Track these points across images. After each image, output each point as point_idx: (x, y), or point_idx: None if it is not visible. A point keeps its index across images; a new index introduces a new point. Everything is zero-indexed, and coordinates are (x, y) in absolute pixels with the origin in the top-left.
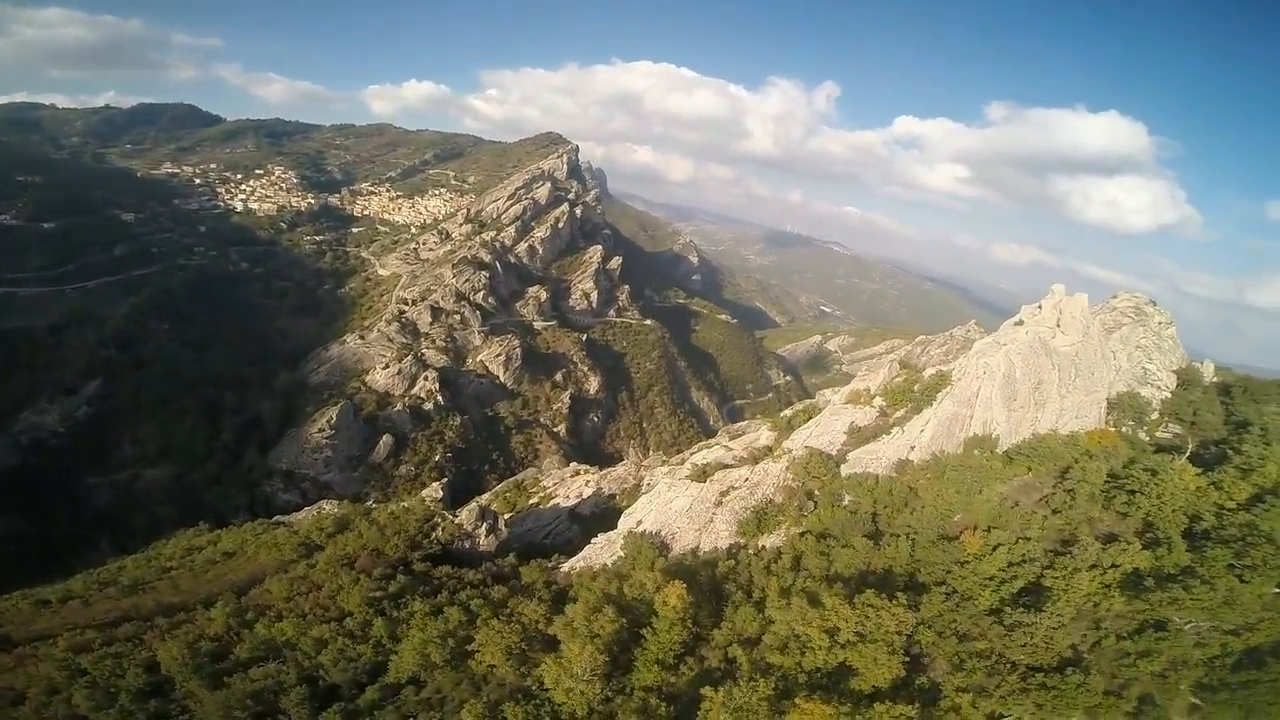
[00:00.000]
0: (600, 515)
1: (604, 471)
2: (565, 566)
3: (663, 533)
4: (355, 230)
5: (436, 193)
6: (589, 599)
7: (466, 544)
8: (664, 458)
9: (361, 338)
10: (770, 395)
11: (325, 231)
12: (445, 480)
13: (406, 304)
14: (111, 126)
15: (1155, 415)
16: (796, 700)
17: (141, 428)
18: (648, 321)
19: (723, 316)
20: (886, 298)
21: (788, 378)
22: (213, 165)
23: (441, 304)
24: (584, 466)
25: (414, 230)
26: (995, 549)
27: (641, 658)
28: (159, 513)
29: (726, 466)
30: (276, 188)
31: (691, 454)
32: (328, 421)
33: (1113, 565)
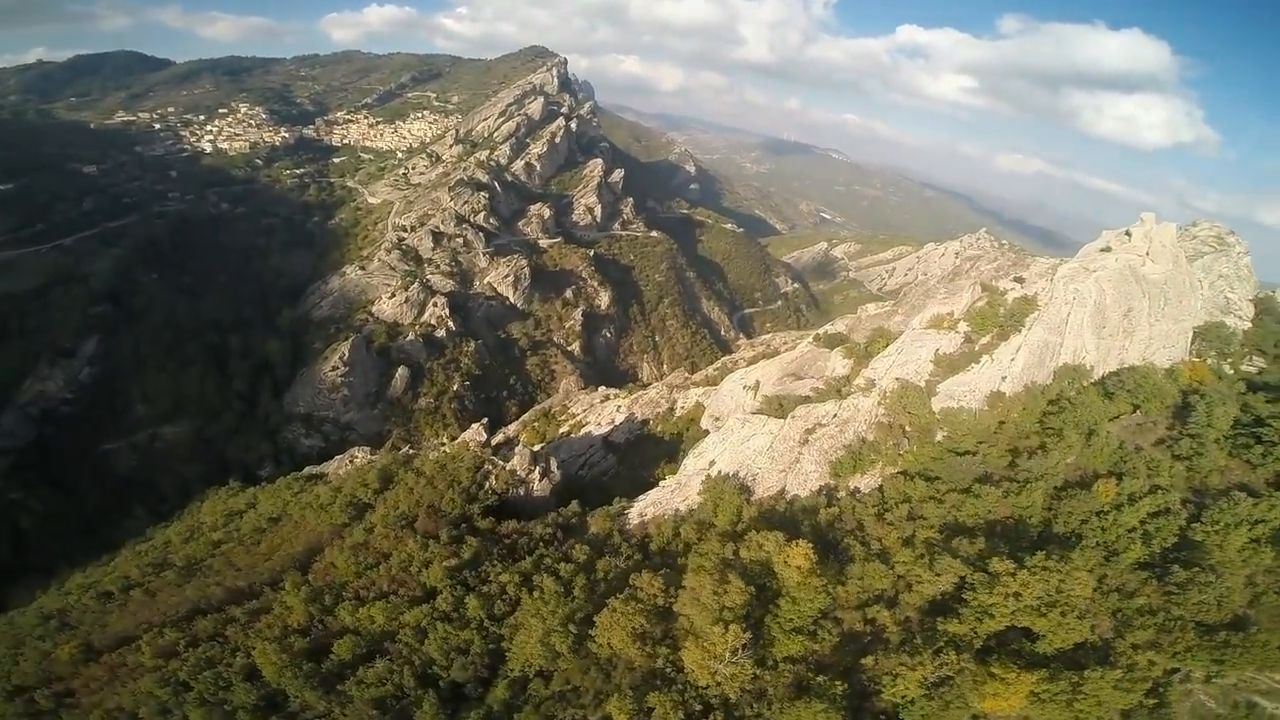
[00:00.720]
0: (636, 442)
1: (634, 395)
2: (634, 513)
3: (741, 474)
4: (336, 160)
5: (419, 116)
6: (706, 566)
7: (520, 490)
8: (687, 375)
9: (362, 268)
10: (780, 303)
11: (305, 164)
12: (485, 420)
13: (405, 230)
14: (50, 81)
15: (1238, 346)
16: (993, 669)
17: (150, 383)
18: (654, 234)
19: (728, 226)
20: (888, 205)
21: (795, 285)
22: (170, 109)
23: (442, 228)
24: (613, 391)
25: (400, 155)
26: (1132, 500)
27: (778, 627)
28: (185, 472)
29: (806, 400)
30: (245, 125)
31: (715, 369)
32: (340, 358)
33: (1260, 520)
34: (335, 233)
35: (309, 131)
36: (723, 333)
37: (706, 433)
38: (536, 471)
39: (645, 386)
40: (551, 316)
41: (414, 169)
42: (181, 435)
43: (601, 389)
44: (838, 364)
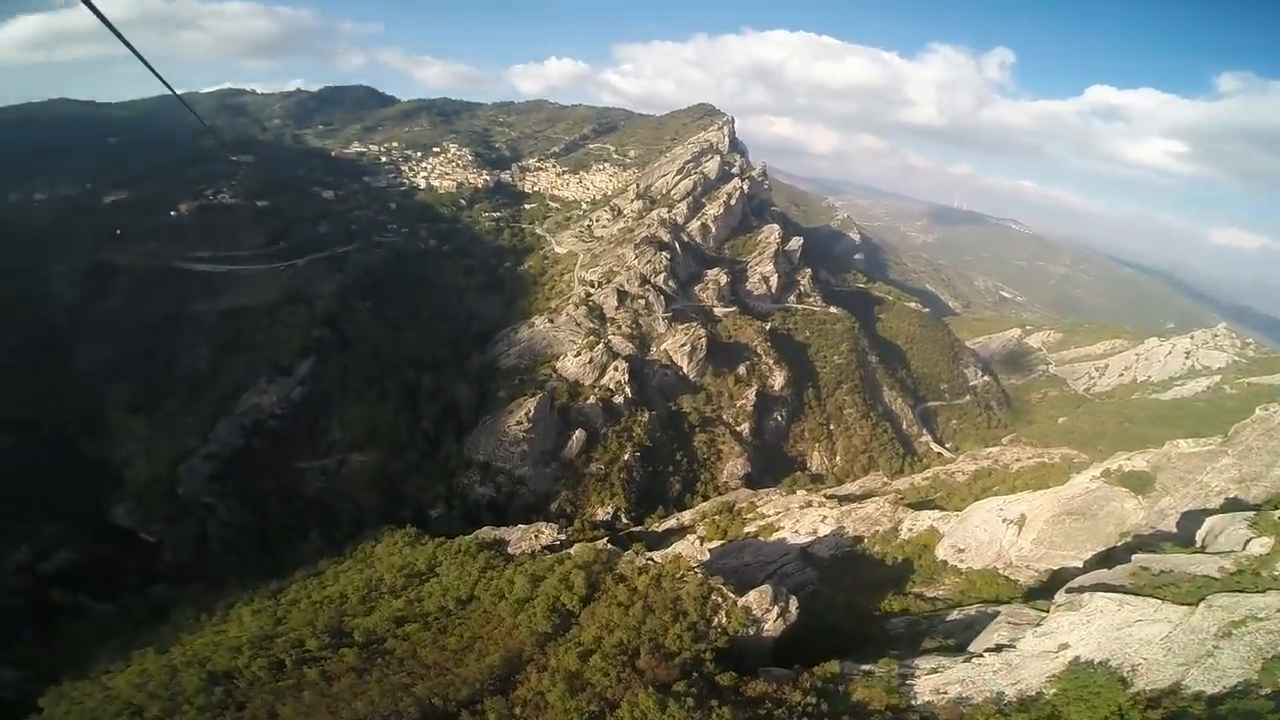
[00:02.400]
0: (844, 560)
1: (847, 508)
2: (923, 688)
3: (1113, 662)
4: (528, 207)
5: (600, 167)
6: None
7: (750, 629)
8: (886, 480)
9: (550, 321)
10: (968, 397)
11: (501, 208)
12: (699, 536)
13: (592, 286)
14: (304, 109)
15: None
16: None
17: (349, 410)
18: (833, 310)
19: (912, 305)
20: (1078, 284)
21: (985, 377)
22: (395, 144)
23: (627, 287)
24: (817, 497)
25: (585, 206)
26: None
27: None
28: (364, 502)
29: (1209, 579)
30: (454, 165)
31: (925, 479)
32: (526, 414)
33: None
34: (524, 279)
35: (506, 176)
36: (905, 427)
37: (944, 564)
38: (774, 610)
39: (861, 500)
40: (723, 393)
41: (597, 221)
42: (367, 465)
43: (801, 493)
44: (1251, 542)
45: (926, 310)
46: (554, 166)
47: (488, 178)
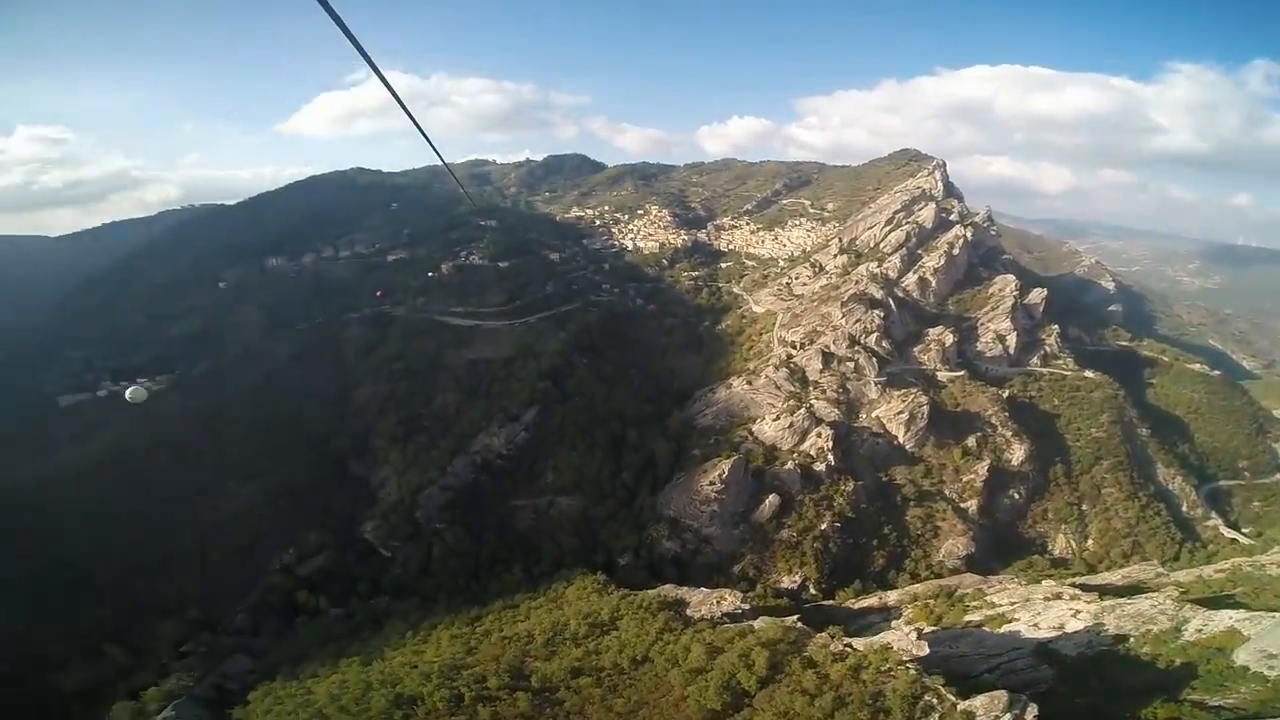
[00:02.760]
0: (1094, 660)
1: (1109, 602)
2: None
3: None
4: (724, 265)
5: (796, 223)
6: None
7: None
8: (1158, 569)
9: (749, 383)
10: (1277, 476)
11: (699, 267)
12: (920, 629)
13: (794, 347)
14: (533, 177)
15: None
16: None
17: (562, 457)
18: (1089, 374)
19: (1195, 366)
20: None
21: None
22: (605, 207)
23: (832, 349)
24: (1068, 588)
25: (782, 263)
26: None
27: None
28: (564, 542)
29: None
30: (655, 225)
31: (1221, 571)
32: (719, 476)
33: None
34: (722, 339)
35: (702, 235)
36: (1185, 509)
37: (1244, 669)
38: (1008, 718)
39: (1129, 593)
40: (946, 465)
41: (796, 279)
42: (572, 509)
43: (1048, 583)
44: None
45: (1216, 373)
46: (747, 224)
47: (685, 237)
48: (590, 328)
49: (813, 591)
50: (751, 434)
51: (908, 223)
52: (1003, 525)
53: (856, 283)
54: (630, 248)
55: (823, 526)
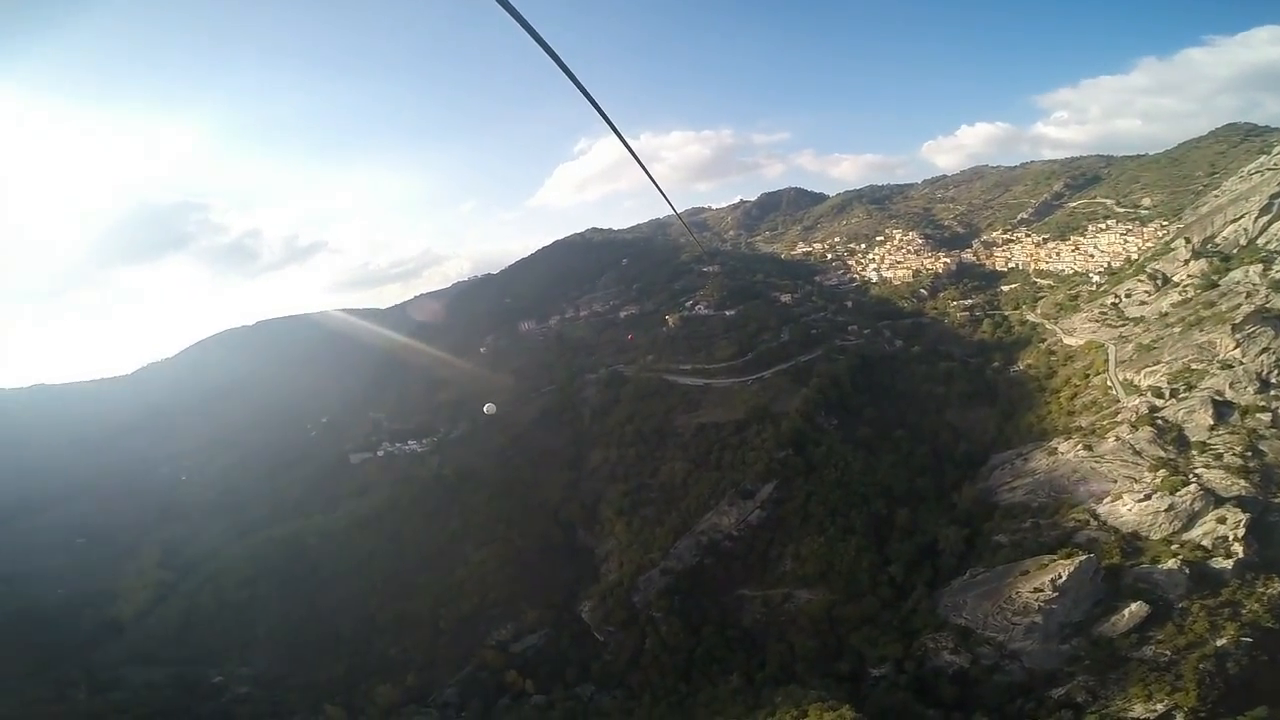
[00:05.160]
0: None
1: None
2: None
3: None
4: (1006, 288)
5: (1101, 226)
6: None
7: None
8: None
9: (1088, 448)
10: None
11: (970, 294)
12: None
13: (1158, 396)
14: (749, 218)
15: None
16: None
17: (805, 542)
18: None
19: None
20: None
21: None
22: (835, 239)
23: (1229, 394)
24: None
25: (1095, 279)
26: None
27: None
28: (798, 645)
29: None
30: (903, 251)
31: None
32: (1053, 581)
33: None
34: (1023, 384)
35: (968, 256)
36: None
37: None
38: None
39: None
40: None
41: (1128, 297)
42: (813, 605)
43: None
44: None
45: None
46: (1029, 235)
47: (946, 260)
48: (839, 380)
49: None
50: (1096, 518)
51: None
52: None
53: (1248, 295)
54: (874, 279)
55: (1220, 642)
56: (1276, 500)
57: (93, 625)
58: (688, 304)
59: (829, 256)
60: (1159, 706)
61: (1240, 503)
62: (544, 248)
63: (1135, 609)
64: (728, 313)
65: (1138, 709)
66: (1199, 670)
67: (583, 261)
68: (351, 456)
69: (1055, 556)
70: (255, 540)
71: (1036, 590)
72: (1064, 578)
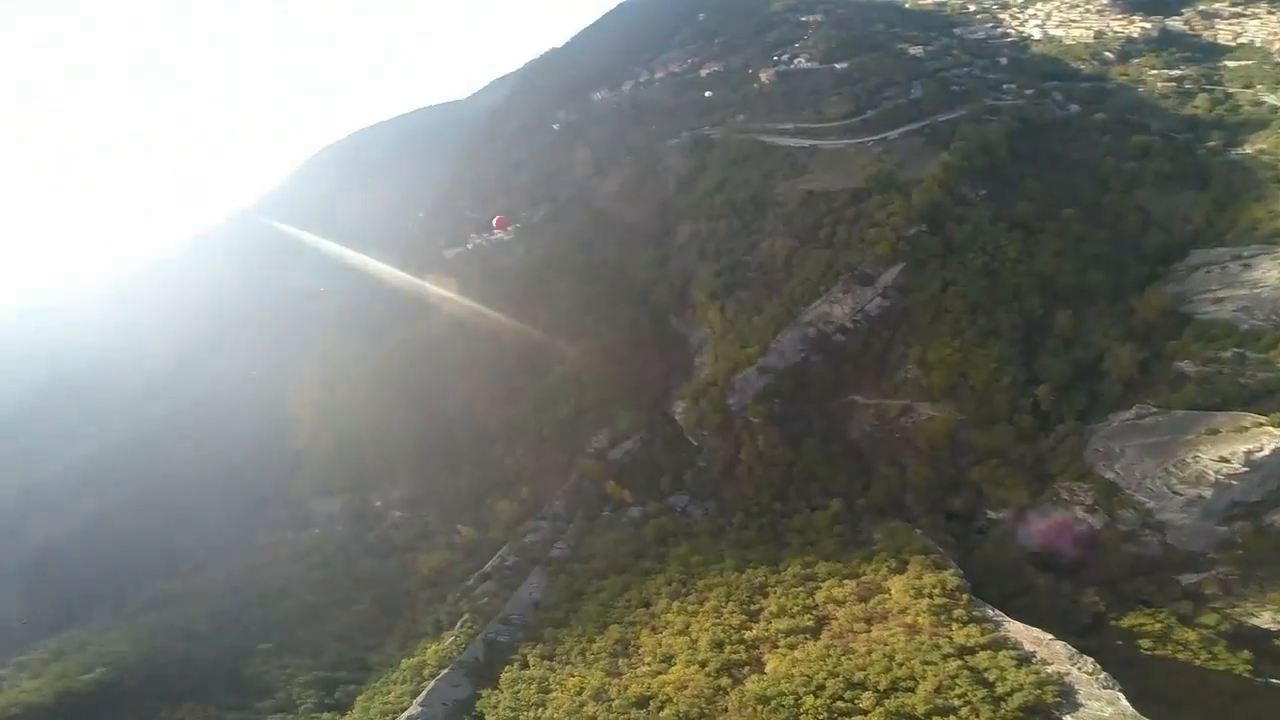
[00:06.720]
0: None
1: None
2: None
3: None
4: (1230, 64)
5: None
6: None
7: None
8: None
9: None
10: None
11: (1178, 65)
12: None
13: None
14: None
15: None
16: None
17: (935, 344)
18: None
19: None
20: None
21: None
22: None
23: None
24: None
25: None
26: None
27: None
28: (911, 471)
29: None
30: (1081, 9)
31: None
32: (1248, 453)
33: None
34: (1251, 170)
35: (1175, 24)
36: None
37: None
38: None
39: None
40: None
41: None
42: (934, 425)
43: None
44: None
45: None
46: (1271, 12)
47: (1145, 25)
48: (990, 144)
49: None
50: None
51: None
52: None
53: None
54: (1038, 37)
55: None
56: None
57: (283, 457)
58: (784, 57)
59: (972, 8)
60: None
61: None
62: (609, 12)
63: None
64: (838, 66)
65: (1265, 616)
66: None
67: (653, 21)
68: (445, 252)
69: (1263, 420)
70: (389, 345)
71: (1222, 461)
72: (1265, 452)
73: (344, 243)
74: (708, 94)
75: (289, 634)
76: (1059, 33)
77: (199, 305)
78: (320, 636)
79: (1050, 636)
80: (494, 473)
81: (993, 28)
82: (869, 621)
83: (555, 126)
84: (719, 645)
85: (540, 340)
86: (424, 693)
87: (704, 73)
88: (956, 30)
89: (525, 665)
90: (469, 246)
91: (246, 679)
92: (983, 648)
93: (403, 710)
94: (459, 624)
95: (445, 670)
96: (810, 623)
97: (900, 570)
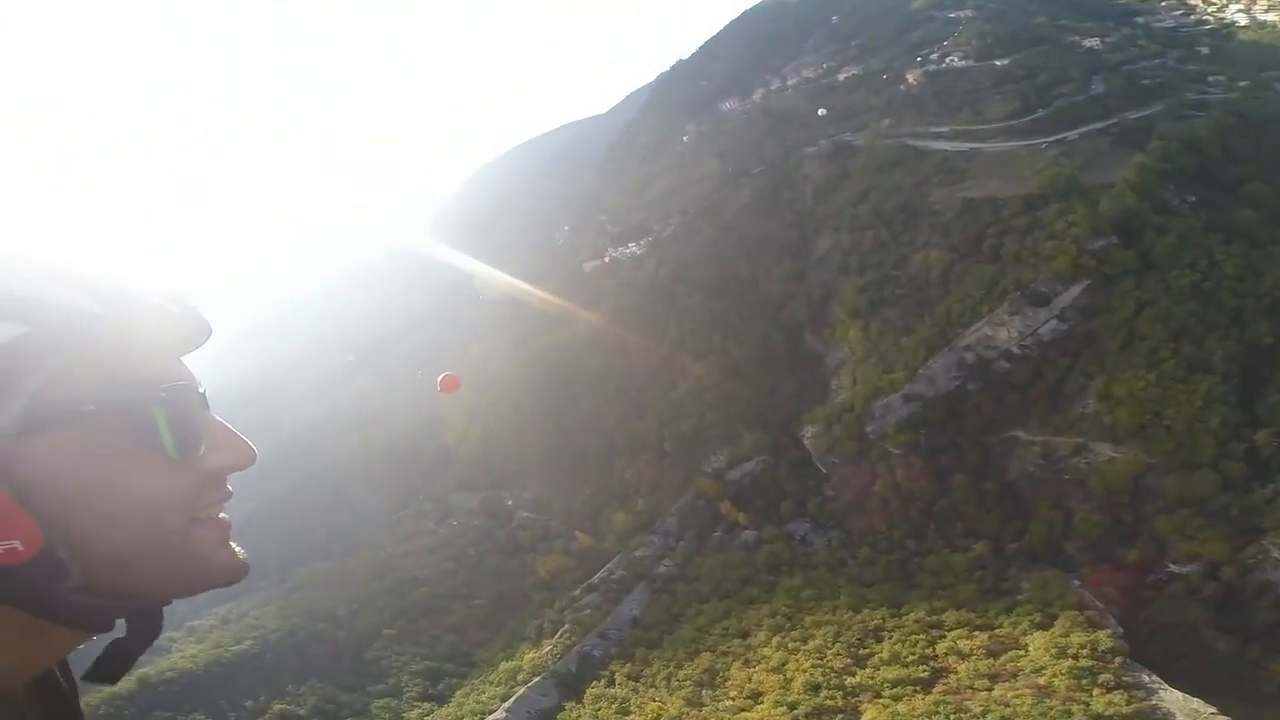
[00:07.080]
0: None
1: None
2: None
3: None
4: None
5: None
6: None
7: None
8: None
9: None
10: None
11: None
12: None
13: None
14: None
15: None
16: None
17: (1122, 375)
18: None
19: None
20: None
21: None
22: None
23: None
24: None
25: None
26: None
27: None
28: (1079, 517)
29: None
30: None
31: None
32: None
33: None
34: None
35: None
36: None
37: None
38: None
39: None
40: None
41: None
42: (1115, 468)
43: None
44: None
45: None
46: None
47: None
48: (1198, 143)
49: None
50: None
51: None
52: None
53: None
54: (1243, 23)
55: None
56: None
57: (433, 454)
58: (932, 56)
59: None
60: None
61: None
62: (733, 20)
63: None
64: (998, 63)
65: None
66: None
67: (782, 27)
68: (585, 265)
69: None
70: (531, 353)
71: None
72: None
73: (502, 255)
74: (821, 112)
75: (412, 622)
76: (1271, 17)
77: (368, 315)
78: (438, 627)
79: (1212, 710)
80: (614, 483)
81: (1184, 15)
82: (993, 679)
83: (685, 139)
84: (814, 688)
85: (667, 355)
86: (513, 698)
87: (841, 76)
88: (1139, 19)
89: (611, 683)
90: (605, 260)
91: (367, 662)
92: (1124, 719)
93: (490, 713)
94: (559, 633)
95: (537, 679)
96: (924, 674)
97: (1045, 626)
